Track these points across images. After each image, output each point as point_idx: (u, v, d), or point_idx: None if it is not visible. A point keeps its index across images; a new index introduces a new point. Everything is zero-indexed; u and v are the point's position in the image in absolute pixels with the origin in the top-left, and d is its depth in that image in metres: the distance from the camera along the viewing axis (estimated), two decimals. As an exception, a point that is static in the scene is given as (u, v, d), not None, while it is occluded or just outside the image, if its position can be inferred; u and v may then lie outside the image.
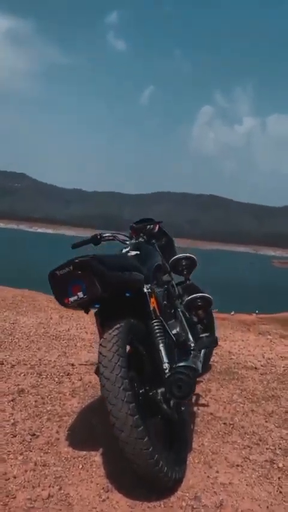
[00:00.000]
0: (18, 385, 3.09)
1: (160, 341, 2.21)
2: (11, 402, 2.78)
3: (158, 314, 2.32)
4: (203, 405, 2.96)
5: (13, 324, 5.26)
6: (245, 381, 3.56)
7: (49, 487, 1.92)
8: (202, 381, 3.44)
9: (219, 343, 5.19)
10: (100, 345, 1.95)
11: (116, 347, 1.88)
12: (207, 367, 3.73)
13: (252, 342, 5.64)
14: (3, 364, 3.54)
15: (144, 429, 1.78)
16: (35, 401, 2.83)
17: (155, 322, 2.26)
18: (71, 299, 1.94)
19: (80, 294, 1.92)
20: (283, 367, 4.26)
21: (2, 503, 1.78)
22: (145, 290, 2.30)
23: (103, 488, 1.94)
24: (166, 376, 2.08)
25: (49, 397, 2.91)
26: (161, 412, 2.08)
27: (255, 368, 4.00)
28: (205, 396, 3.12)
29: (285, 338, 6.38)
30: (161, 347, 2.19)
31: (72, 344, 4.50)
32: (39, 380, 3.24)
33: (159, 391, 2.10)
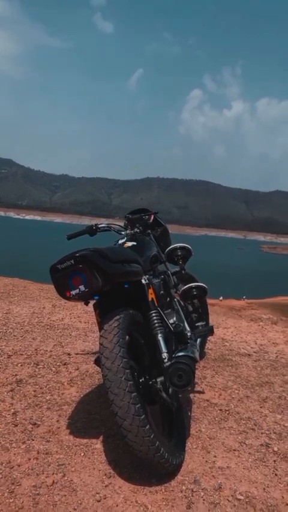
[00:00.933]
0: (16, 375, 3.12)
1: (158, 331, 2.25)
2: (10, 392, 2.81)
3: (156, 305, 2.36)
4: (199, 392, 3.03)
5: (6, 314, 5.27)
6: (239, 367, 3.64)
7: (53, 474, 1.97)
8: (197, 368, 3.50)
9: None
10: (101, 336, 1.99)
11: (116, 338, 1.92)
12: (202, 354, 3.80)
13: (244, 328, 5.74)
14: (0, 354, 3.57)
15: (145, 417, 1.83)
16: (34, 391, 2.87)
17: (153, 312, 2.30)
18: (73, 292, 1.97)
19: (82, 287, 1.95)
20: (275, 353, 4.36)
21: (8, 490, 1.83)
22: (143, 281, 2.34)
23: (105, 474, 2.00)
24: (165, 366, 2.13)
25: (47, 386, 2.96)
26: (161, 400, 2.14)
27: (249, 355, 4.08)
28: (201, 383, 3.19)
29: (277, 324, 6.51)
30: (160, 337, 2.24)
31: (67, 333, 4.53)
32: (37, 370, 3.27)
33: (158, 380, 2.15)
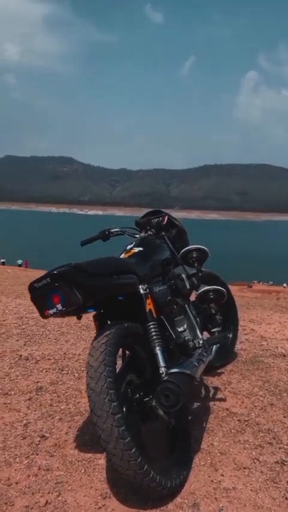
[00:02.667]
0: (37, 382, 3.15)
1: (156, 344, 2.14)
2: (28, 401, 2.83)
3: (155, 316, 2.25)
4: (220, 400, 2.88)
5: (48, 314, 5.36)
6: (270, 370, 3.43)
7: (48, 493, 1.93)
8: (224, 372, 3.35)
9: (253, 327, 5.06)
10: (89, 353, 1.92)
11: (103, 356, 1.84)
12: (231, 356, 3.63)
13: (290, 323, 5.44)
14: (28, 359, 3.63)
15: (130, 440, 1.74)
16: (51, 399, 2.87)
17: (151, 324, 2.19)
18: (50, 311, 1.91)
19: (59, 306, 1.88)
20: (316, 352, 4.07)
21: (0, 510, 1.82)
22: (141, 291, 2.23)
23: (101, 494, 1.93)
24: (162, 381, 2.02)
25: (65, 395, 2.95)
26: (157, 418, 2.03)
27: (284, 355, 3.84)
28: (224, 390, 3.04)
29: None
30: (157, 350, 2.13)
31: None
32: (60, 376, 3.28)
33: (154, 396, 2.04)
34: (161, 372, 2.06)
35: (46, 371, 3.39)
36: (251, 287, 38.49)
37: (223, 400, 2.88)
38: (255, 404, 2.82)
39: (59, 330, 4.68)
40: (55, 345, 4.13)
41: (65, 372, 3.38)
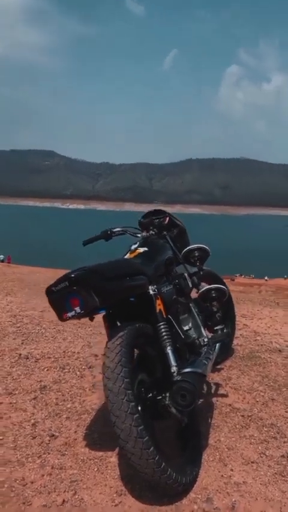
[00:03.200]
0: (40, 381, 3.17)
1: (167, 344, 2.19)
2: (33, 401, 2.85)
3: (164, 316, 2.29)
4: (222, 395, 2.95)
5: (42, 312, 5.37)
6: (267, 366, 3.52)
7: (64, 492, 1.97)
8: (223, 368, 3.42)
9: (246, 322, 5.16)
10: (104, 354, 1.95)
11: (118, 357, 1.88)
12: (229, 352, 3.71)
13: (280, 318, 5.57)
14: (28, 358, 3.63)
15: (149, 439, 1.78)
16: (56, 398, 2.90)
17: (161, 324, 2.24)
18: (69, 314, 1.94)
19: (78, 309, 1.91)
20: (310, 347, 4.18)
21: (18, 510, 1.85)
22: (150, 292, 2.27)
23: (116, 492, 1.98)
24: (173, 380, 2.07)
25: (70, 393, 2.98)
26: (170, 416, 2.09)
27: (280, 350, 3.94)
28: (225, 385, 3.11)
29: None
30: (168, 350, 2.18)
31: (97, 332, 4.54)
32: (62, 374, 3.31)
33: (167, 395, 2.09)
34: (172, 371, 2.11)
35: (48, 370, 3.40)
36: (233, 280, 38.89)
37: (225, 395, 2.95)
38: (257, 400, 2.90)
39: (54, 328, 4.68)
40: (53, 343, 4.14)
41: (66, 370, 3.41)
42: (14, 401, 2.86)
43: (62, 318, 1.98)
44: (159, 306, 2.28)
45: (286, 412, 2.75)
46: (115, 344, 1.94)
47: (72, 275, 1.91)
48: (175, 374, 2.09)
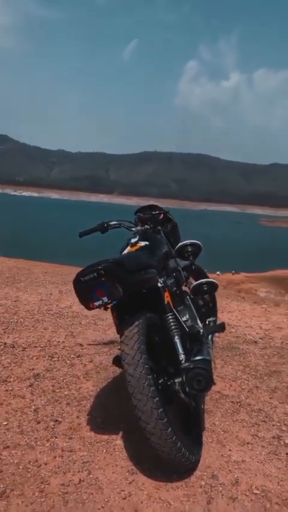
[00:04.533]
0: (32, 369, 3.22)
1: (175, 333, 2.34)
2: (30, 388, 2.92)
3: (172, 307, 2.44)
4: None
5: (15, 301, 5.35)
6: (247, 356, 3.75)
7: (79, 472, 2.08)
8: (214, 362, 3.62)
9: (218, 315, 5.40)
10: (122, 342, 2.07)
11: (137, 345, 2.00)
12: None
13: (248, 312, 5.85)
14: (14, 347, 3.66)
15: (167, 421, 1.93)
16: (52, 385, 2.97)
17: (169, 315, 2.38)
18: (96, 303, 2.05)
19: (105, 299, 2.03)
20: (280, 339, 4.47)
21: (38, 489, 1.94)
22: (159, 285, 2.41)
23: (128, 471, 2.11)
24: (182, 367, 2.22)
25: (64, 381, 3.06)
26: (179, 400, 2.24)
27: (255, 342, 4.19)
28: (211, 374, 3.30)
29: (279, 306, 6.61)
30: (177, 339, 2.32)
31: (77, 322, 4.62)
32: (52, 363, 3.37)
33: (176, 380, 2.24)
34: (180, 358, 2.26)
35: (37, 358, 3.45)
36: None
37: (213, 383, 3.13)
38: (243, 387, 3.12)
39: (32, 318, 4.70)
40: (35, 332, 4.18)
41: (55, 359, 3.47)
42: (10, 388, 2.91)
43: (88, 306, 2.08)
44: (167, 298, 2.42)
45: (270, 398, 2.98)
46: (133, 332, 2.06)
47: (100, 267, 2.01)
48: (183, 362, 2.24)
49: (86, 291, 2.07)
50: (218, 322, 3.69)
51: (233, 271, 46.78)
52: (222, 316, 5.34)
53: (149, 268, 2.32)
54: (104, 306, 2.11)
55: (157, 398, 1.93)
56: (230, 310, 5.87)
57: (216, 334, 4.33)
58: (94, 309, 2.11)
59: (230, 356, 3.72)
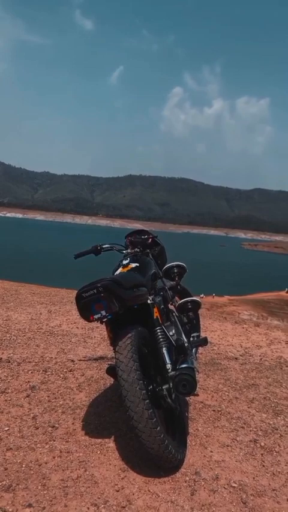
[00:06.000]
0: (28, 381, 3.45)
1: (163, 345, 2.62)
2: (27, 398, 3.14)
3: (160, 322, 2.73)
4: (194, 395, 3.40)
5: (6, 320, 5.57)
6: (228, 371, 4.04)
7: (76, 469, 2.32)
8: (199, 371, 3.89)
9: (201, 333, 5.68)
10: (116, 351, 2.34)
11: (130, 353, 2.28)
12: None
13: (230, 331, 6.15)
14: (9, 362, 3.89)
15: (156, 420, 2.20)
16: (48, 396, 3.21)
17: (158, 329, 2.67)
18: (95, 316, 2.34)
19: (103, 312, 2.32)
20: (259, 356, 4.77)
21: (41, 484, 2.17)
22: (149, 301, 2.70)
23: (120, 468, 2.35)
24: (169, 375, 2.50)
25: (59, 392, 3.29)
26: (166, 404, 2.51)
27: (235, 358, 4.49)
28: (195, 386, 3.57)
29: (259, 326, 6.94)
30: (164, 350, 2.61)
31: (67, 340, 4.86)
32: (46, 376, 3.60)
33: (164, 387, 2.51)
34: (167, 367, 2.54)
35: (32, 372, 3.68)
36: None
37: (196, 395, 3.39)
38: (223, 398, 3.39)
39: (24, 336, 4.92)
40: (28, 349, 4.40)
41: (49, 372, 3.70)
42: (9, 398, 3.13)
43: (88, 319, 2.36)
44: (156, 313, 2.72)
45: (248, 407, 3.26)
46: (126, 343, 2.34)
47: (99, 284, 2.30)
48: (170, 370, 2.52)
49: (87, 305, 2.35)
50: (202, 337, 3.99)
51: (214, 294, 47.38)
52: (204, 335, 5.62)
53: (140, 287, 2.62)
54: (102, 319, 2.39)
55: (147, 401, 2.20)
56: (212, 329, 6.16)
57: (200, 350, 4.63)
58: (93, 321, 2.38)
59: (212, 370, 4.00)
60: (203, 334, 5.65)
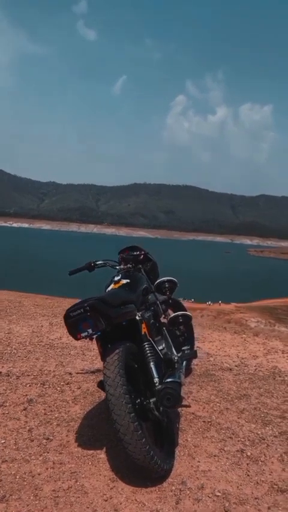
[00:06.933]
0: (26, 395, 3.58)
1: (151, 360, 2.74)
2: (24, 411, 3.27)
3: (148, 337, 2.85)
4: (186, 406, 3.49)
5: (8, 334, 5.71)
6: (221, 382, 4.14)
7: (67, 480, 2.43)
8: (184, 384, 3.99)
9: (199, 344, 5.78)
10: (104, 367, 2.47)
11: (117, 369, 2.40)
12: (189, 370, 4.29)
13: (228, 341, 6.24)
14: (9, 375, 4.02)
15: (142, 433, 2.32)
16: (44, 409, 3.33)
17: (146, 344, 2.79)
18: (82, 334, 2.47)
19: (90, 331, 2.45)
20: (254, 366, 4.86)
21: (33, 494, 2.29)
22: (137, 317, 2.82)
23: (110, 479, 2.47)
24: (156, 389, 2.61)
25: (55, 405, 3.41)
26: (153, 417, 2.62)
27: (230, 369, 4.59)
28: (187, 398, 3.67)
29: (258, 336, 7.03)
30: (152, 365, 2.73)
31: (66, 352, 4.99)
32: (44, 390, 3.73)
33: (151, 400, 2.63)
34: (155, 381, 2.66)
35: (30, 385, 3.81)
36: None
37: (188, 406, 3.49)
38: (214, 409, 3.49)
39: (24, 349, 5.06)
40: (27, 362, 4.54)
41: (47, 386, 3.83)
42: (7, 412, 3.26)
43: (76, 337, 2.49)
44: (144, 329, 2.84)
45: (238, 418, 3.36)
46: (113, 359, 2.46)
47: (86, 304, 2.44)
48: (157, 384, 2.64)
49: (74, 324, 2.48)
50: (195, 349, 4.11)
51: (220, 302, 47.33)
52: (203, 346, 5.74)
53: (128, 304, 2.74)
54: (89, 337, 2.51)
55: (133, 414, 2.32)
56: (211, 340, 6.26)
57: (196, 362, 4.73)
58: (81, 339, 2.52)
59: (205, 382, 4.10)
60: (201, 345, 5.79)
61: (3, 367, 4.29)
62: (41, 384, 3.86)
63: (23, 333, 5.84)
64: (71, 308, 2.51)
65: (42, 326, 6.37)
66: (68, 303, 9.25)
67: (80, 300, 2.57)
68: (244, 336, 6.92)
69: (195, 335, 6.49)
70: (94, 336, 2.62)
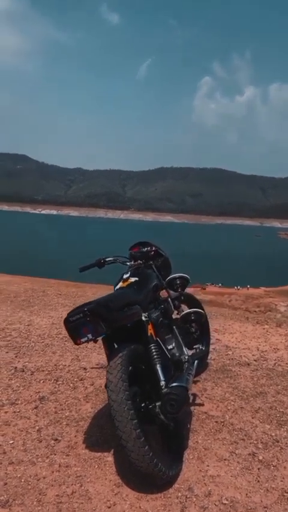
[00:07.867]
0: (38, 392, 3.58)
1: (157, 362, 2.67)
2: (35, 410, 3.27)
3: (155, 338, 2.77)
4: (199, 404, 3.43)
5: (28, 326, 5.75)
6: (237, 378, 4.03)
7: (72, 485, 2.41)
8: (199, 380, 3.91)
9: (219, 336, 5.67)
10: (107, 371, 2.41)
11: (120, 374, 2.34)
12: (204, 365, 4.20)
13: (249, 333, 6.09)
14: (23, 371, 4.03)
15: (144, 440, 2.26)
16: (55, 407, 3.32)
17: (152, 346, 2.72)
18: (82, 339, 2.42)
19: (89, 336, 2.40)
20: (274, 360, 4.72)
21: (36, 499, 2.27)
22: (143, 318, 2.75)
23: (115, 484, 2.43)
24: (162, 392, 2.54)
25: (66, 403, 3.40)
26: (160, 421, 2.56)
27: (248, 364, 4.46)
28: (201, 396, 3.59)
29: (281, 326, 6.84)
30: (158, 367, 2.66)
31: (83, 346, 4.96)
32: (57, 386, 3.72)
33: (157, 404, 2.56)
34: (161, 384, 2.59)
35: (43, 382, 3.81)
36: (204, 289, 40.08)
37: (201, 404, 3.43)
38: (228, 408, 3.40)
39: (43, 342, 5.08)
40: (44, 356, 4.54)
41: (60, 382, 3.82)
42: (18, 410, 3.26)
43: (76, 342, 2.45)
44: (150, 330, 2.76)
45: (252, 418, 3.26)
46: (116, 363, 2.40)
47: (85, 308, 2.38)
48: (163, 387, 2.57)
49: (74, 329, 2.43)
50: (211, 346, 4.02)
51: (248, 286, 46.87)
52: (223, 338, 5.62)
53: (133, 305, 2.67)
54: (89, 342, 2.46)
55: (136, 421, 2.26)
56: (231, 331, 6.12)
57: (213, 356, 4.64)
58: (81, 344, 2.47)
59: (221, 378, 4.00)
60: (221, 337, 5.68)
61: (19, 361, 4.31)
62: (54, 380, 3.86)
63: (42, 324, 5.86)
64: (71, 313, 2.46)
65: (62, 317, 6.35)
66: (92, 292, 9.27)
67: (81, 304, 2.52)
68: (266, 326, 6.74)
69: (217, 326, 6.40)
70: (100, 338, 2.57)
